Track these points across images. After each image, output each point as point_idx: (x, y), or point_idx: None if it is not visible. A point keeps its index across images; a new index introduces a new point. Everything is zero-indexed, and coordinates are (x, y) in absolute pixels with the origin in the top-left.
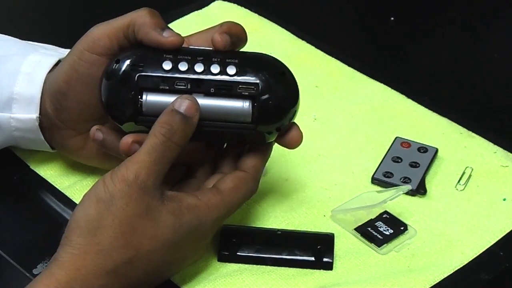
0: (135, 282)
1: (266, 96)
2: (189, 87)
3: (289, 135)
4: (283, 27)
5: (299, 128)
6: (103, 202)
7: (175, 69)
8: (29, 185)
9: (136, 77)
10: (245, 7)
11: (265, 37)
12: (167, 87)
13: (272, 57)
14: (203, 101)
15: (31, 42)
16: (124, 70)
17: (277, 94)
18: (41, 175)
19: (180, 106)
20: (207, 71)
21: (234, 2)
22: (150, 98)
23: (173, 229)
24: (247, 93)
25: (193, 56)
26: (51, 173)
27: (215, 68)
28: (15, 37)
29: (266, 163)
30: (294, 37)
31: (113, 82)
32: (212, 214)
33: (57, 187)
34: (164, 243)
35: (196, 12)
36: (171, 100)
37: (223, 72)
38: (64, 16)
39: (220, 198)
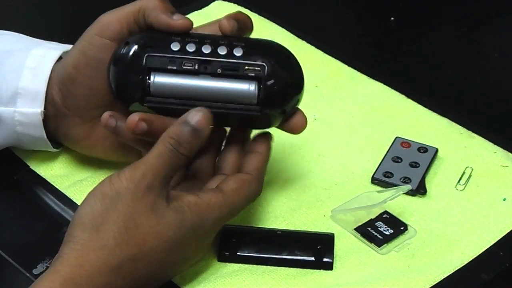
0: (139, 280)
1: (272, 78)
2: (196, 67)
3: (293, 119)
4: (283, 27)
5: (303, 113)
6: (109, 199)
7: (183, 50)
8: (29, 185)
9: (144, 58)
10: (245, 7)
11: (265, 37)
12: (175, 68)
13: (277, 42)
14: (210, 83)
15: (33, 38)
16: (132, 51)
17: (283, 76)
18: (41, 175)
19: (193, 118)
20: (214, 52)
21: (234, 2)
22: (158, 79)
23: (176, 226)
24: (253, 74)
25: (200, 39)
26: (51, 173)
27: (222, 50)
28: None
29: (267, 164)
30: (294, 37)
31: (122, 64)
32: (213, 213)
33: (57, 187)
34: (167, 240)
35: (196, 12)
36: (179, 81)
37: (230, 53)
38: (64, 16)
39: (222, 198)
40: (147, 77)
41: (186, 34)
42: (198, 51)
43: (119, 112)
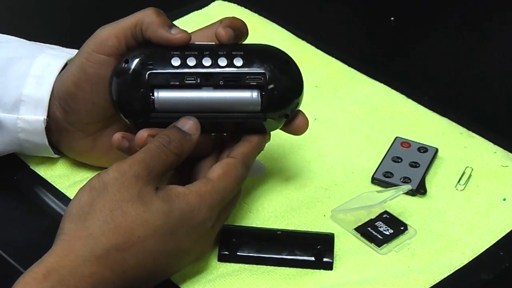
0: (130, 272)
1: (273, 84)
2: (198, 81)
3: (296, 121)
4: (283, 27)
5: (304, 115)
6: (96, 190)
7: (184, 64)
8: (29, 185)
9: (146, 75)
10: (245, 7)
11: (265, 37)
12: (178, 83)
13: (274, 47)
14: (213, 94)
15: (36, 43)
16: (134, 69)
17: (283, 82)
18: (41, 175)
19: (183, 125)
20: (215, 64)
21: (234, 2)
22: (161, 94)
23: (163, 214)
24: (255, 83)
25: (199, 51)
26: (51, 173)
27: (222, 61)
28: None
29: (258, 153)
30: (294, 37)
31: (124, 82)
32: (204, 202)
33: (57, 187)
34: (155, 229)
35: (196, 12)
36: (182, 95)
37: (230, 64)
38: (63, 17)
39: (210, 186)
40: (151, 94)
41: (185, 47)
42: (199, 65)
43: (120, 124)
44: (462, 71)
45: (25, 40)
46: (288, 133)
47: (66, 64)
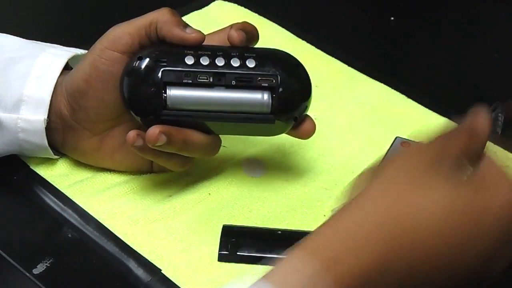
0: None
1: (284, 87)
2: (211, 80)
3: (303, 126)
4: (283, 27)
5: (312, 119)
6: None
7: (197, 63)
8: (29, 185)
9: (160, 72)
10: (245, 7)
11: (265, 37)
12: (190, 81)
13: (284, 51)
14: (224, 94)
15: (37, 42)
16: (147, 65)
17: (294, 85)
18: (41, 175)
19: None
20: (228, 64)
21: (234, 2)
22: (174, 92)
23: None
24: (266, 85)
25: (213, 51)
26: (51, 173)
27: (235, 62)
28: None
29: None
30: (294, 37)
31: (137, 78)
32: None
33: (57, 187)
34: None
35: (196, 12)
36: (194, 94)
37: (243, 65)
38: (64, 17)
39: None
40: (163, 91)
41: (198, 47)
42: (212, 64)
43: (127, 124)
44: (462, 71)
45: (25, 40)
46: (296, 137)
47: (67, 63)
